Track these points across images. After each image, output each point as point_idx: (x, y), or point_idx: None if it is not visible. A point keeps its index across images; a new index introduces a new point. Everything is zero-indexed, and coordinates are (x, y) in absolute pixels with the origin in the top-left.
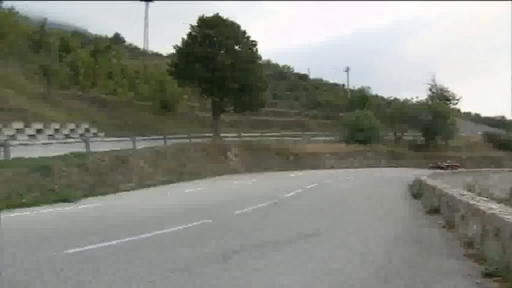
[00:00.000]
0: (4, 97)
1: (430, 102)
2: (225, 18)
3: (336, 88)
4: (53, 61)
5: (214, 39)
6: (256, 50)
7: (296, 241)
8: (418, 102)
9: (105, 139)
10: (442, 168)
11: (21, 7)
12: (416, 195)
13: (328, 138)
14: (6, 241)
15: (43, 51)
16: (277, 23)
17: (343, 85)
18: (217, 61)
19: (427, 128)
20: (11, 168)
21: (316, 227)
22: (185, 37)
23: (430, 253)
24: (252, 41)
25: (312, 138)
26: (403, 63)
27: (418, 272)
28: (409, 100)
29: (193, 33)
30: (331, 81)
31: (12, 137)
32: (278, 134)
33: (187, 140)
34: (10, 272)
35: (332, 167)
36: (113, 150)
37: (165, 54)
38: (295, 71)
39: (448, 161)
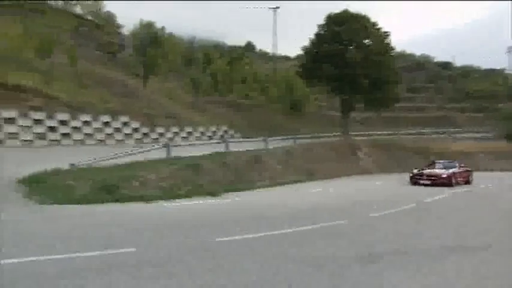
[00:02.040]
0: (165, 106)
1: None
2: (353, 12)
3: (492, 74)
4: (199, 73)
5: (343, 35)
6: (389, 42)
7: (445, 253)
8: None
9: (241, 140)
10: (429, 179)
11: (173, 28)
12: None
13: (479, 135)
14: (171, 225)
15: (192, 65)
16: (413, 9)
17: (504, 70)
18: (347, 58)
19: None
20: (172, 165)
21: (473, 239)
22: (313, 37)
23: None
24: (384, 32)
25: (458, 135)
26: None
27: None
28: None
29: (321, 32)
30: (484, 67)
31: (172, 139)
32: (415, 131)
33: (316, 140)
34: (173, 253)
35: (487, 169)
36: (247, 150)
37: (292, 56)
38: (436, 59)
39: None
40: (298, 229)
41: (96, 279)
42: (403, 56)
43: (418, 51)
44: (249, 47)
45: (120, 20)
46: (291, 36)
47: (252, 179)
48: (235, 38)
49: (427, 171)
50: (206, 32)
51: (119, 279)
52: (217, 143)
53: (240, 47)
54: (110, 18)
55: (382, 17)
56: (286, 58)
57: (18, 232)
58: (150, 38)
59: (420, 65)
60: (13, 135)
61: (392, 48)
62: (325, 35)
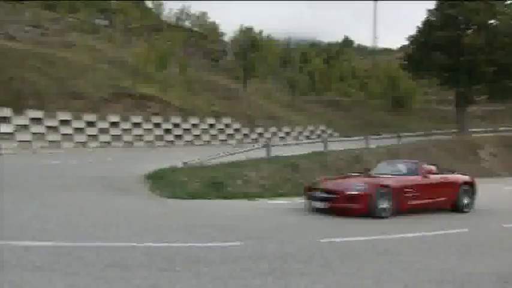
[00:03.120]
0: (264, 107)
1: None
2: None
3: None
4: (296, 73)
5: (459, 18)
6: None
7: None
8: None
9: (340, 139)
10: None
11: (270, 30)
12: None
13: None
14: (277, 223)
15: (289, 65)
16: None
17: None
18: (464, 43)
19: None
20: (272, 165)
21: None
22: (420, 25)
23: None
24: None
25: None
26: None
27: None
28: None
29: (430, 18)
30: None
31: (270, 139)
32: None
33: (425, 138)
34: (282, 250)
35: None
36: (347, 149)
37: (395, 48)
38: None
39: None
40: (411, 235)
41: (209, 267)
42: None
43: None
44: (347, 42)
45: (222, 28)
46: (393, 28)
47: None
48: (332, 35)
49: (326, 182)
50: (302, 31)
51: (226, 270)
52: (316, 142)
53: (337, 43)
54: (213, 27)
55: None
56: (388, 51)
57: (148, 221)
58: (249, 43)
59: None
60: (139, 137)
61: None
62: (436, 21)
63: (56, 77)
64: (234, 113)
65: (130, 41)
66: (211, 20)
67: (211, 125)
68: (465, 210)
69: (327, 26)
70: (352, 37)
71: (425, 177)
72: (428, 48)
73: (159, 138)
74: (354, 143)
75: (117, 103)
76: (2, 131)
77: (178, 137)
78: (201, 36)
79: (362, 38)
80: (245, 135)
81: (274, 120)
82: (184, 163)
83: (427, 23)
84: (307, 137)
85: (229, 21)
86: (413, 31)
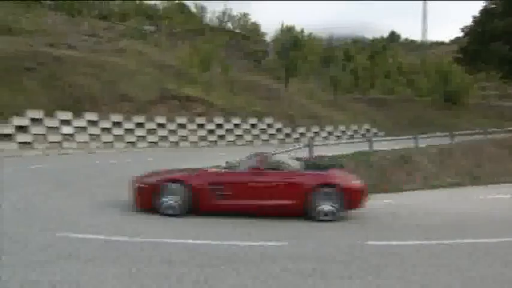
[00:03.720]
0: (306, 107)
1: None
2: None
3: None
4: (338, 71)
5: None
6: None
7: None
8: None
9: (386, 138)
10: None
11: (313, 28)
12: None
13: None
14: (319, 224)
15: (331, 64)
16: None
17: None
18: None
19: None
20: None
21: None
22: (477, 14)
23: None
24: None
25: None
26: None
27: None
28: None
29: (490, 6)
30: None
31: (312, 139)
32: None
33: (482, 136)
34: (324, 251)
35: None
36: (393, 149)
37: (447, 41)
38: None
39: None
40: (462, 242)
41: (245, 267)
42: None
43: None
44: (393, 37)
45: (263, 28)
46: (442, 20)
47: (400, 180)
48: (378, 30)
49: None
50: (346, 27)
51: (267, 270)
52: (361, 142)
53: (382, 38)
54: (255, 28)
55: None
56: (437, 44)
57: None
58: (291, 42)
59: None
60: (183, 138)
61: None
62: (497, 9)
63: (108, 81)
64: (276, 113)
65: (175, 44)
66: (252, 20)
67: (253, 125)
68: (322, 218)
69: (372, 22)
70: (399, 31)
71: (256, 174)
72: (487, 39)
73: (203, 138)
74: (401, 143)
75: (163, 105)
76: (64, 132)
77: (221, 137)
78: (243, 37)
79: (409, 31)
80: (287, 135)
81: (316, 119)
82: (227, 163)
83: (484, 12)
84: (351, 136)
85: (270, 20)
86: (466, 22)
